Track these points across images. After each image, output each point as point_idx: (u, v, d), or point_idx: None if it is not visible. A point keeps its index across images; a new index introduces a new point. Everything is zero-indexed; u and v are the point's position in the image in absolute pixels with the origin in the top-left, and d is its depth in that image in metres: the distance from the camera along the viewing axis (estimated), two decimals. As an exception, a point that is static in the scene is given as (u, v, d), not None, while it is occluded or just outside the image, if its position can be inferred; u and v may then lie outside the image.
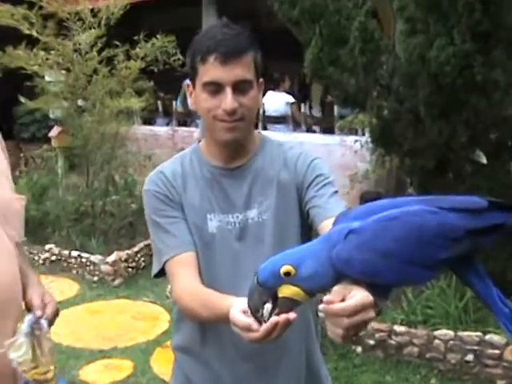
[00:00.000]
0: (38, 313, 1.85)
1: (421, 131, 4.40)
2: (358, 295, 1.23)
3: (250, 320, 1.35)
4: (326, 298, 1.24)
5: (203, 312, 1.64)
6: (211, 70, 1.71)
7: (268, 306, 1.34)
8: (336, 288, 1.28)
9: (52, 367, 1.85)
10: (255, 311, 1.37)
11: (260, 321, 1.36)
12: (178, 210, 1.83)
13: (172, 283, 1.79)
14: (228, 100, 1.71)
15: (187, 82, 1.86)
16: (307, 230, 1.84)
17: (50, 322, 1.90)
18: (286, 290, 1.33)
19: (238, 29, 1.79)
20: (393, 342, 4.41)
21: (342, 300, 1.23)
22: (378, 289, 1.29)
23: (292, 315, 1.32)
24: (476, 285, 1.37)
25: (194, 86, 1.80)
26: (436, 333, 4.28)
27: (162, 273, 1.83)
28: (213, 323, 1.73)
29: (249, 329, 1.35)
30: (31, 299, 1.90)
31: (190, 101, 1.87)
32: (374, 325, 4.47)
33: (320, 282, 1.33)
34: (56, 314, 1.96)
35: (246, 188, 1.84)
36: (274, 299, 1.34)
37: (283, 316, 1.31)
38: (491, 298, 1.37)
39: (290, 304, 1.35)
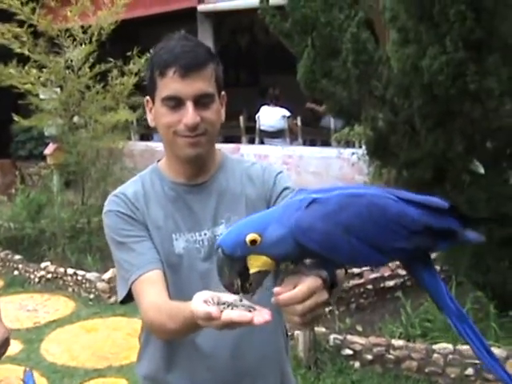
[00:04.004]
0: None
1: (417, 142, 4.35)
2: (306, 281, 1.24)
3: (209, 308, 1.28)
4: (275, 289, 1.24)
5: (171, 323, 1.54)
6: (171, 84, 1.66)
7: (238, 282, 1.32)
8: (286, 279, 1.28)
9: None
10: (230, 285, 1.33)
11: (238, 292, 1.33)
12: (144, 231, 1.75)
13: (138, 304, 1.69)
14: (189, 115, 1.65)
15: (147, 97, 1.78)
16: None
17: None
18: (255, 262, 1.30)
19: (196, 41, 1.74)
20: (391, 356, 4.33)
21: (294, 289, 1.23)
22: (328, 267, 1.30)
23: (268, 316, 1.26)
24: (427, 281, 1.39)
25: (153, 102, 1.74)
26: (435, 346, 4.21)
27: (129, 298, 1.73)
28: (183, 335, 1.63)
29: (209, 318, 1.27)
30: None
31: (149, 117, 1.79)
32: (371, 339, 4.41)
33: (285, 247, 1.30)
34: (4, 345, 1.82)
35: (213, 204, 1.77)
36: (244, 268, 1.31)
37: (259, 318, 1.25)
38: (441, 294, 1.39)
39: (262, 276, 1.33)
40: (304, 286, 1.22)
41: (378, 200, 1.32)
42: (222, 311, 1.27)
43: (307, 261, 1.35)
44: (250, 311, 1.28)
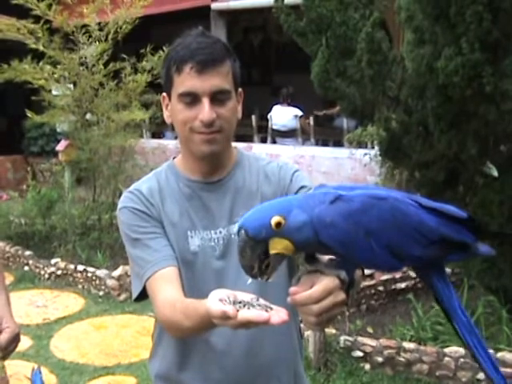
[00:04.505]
0: None
1: (430, 143, 4.32)
2: (323, 280, 1.23)
3: (225, 307, 1.26)
4: (291, 289, 1.23)
5: (186, 321, 1.52)
6: (187, 80, 1.65)
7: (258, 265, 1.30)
8: (303, 278, 1.27)
9: None
10: (250, 268, 1.30)
11: (255, 276, 1.31)
12: (159, 227, 1.73)
13: (153, 300, 1.67)
14: (205, 111, 1.63)
15: (163, 94, 1.77)
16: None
17: (4, 350, 1.75)
18: (277, 245, 1.28)
19: (213, 37, 1.73)
20: (402, 359, 4.30)
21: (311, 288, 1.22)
22: (347, 266, 1.29)
23: (285, 316, 1.25)
24: (440, 290, 1.39)
25: (169, 98, 1.73)
26: (446, 350, 4.18)
27: (143, 295, 1.72)
28: (198, 333, 1.61)
29: (225, 317, 1.25)
30: None
31: (165, 114, 1.78)
32: (382, 341, 4.38)
33: (306, 234, 1.27)
34: (14, 341, 1.81)
35: (229, 202, 1.76)
36: (265, 251, 1.28)
37: (275, 318, 1.23)
38: (453, 305, 1.38)
39: (280, 260, 1.31)
40: (320, 285, 1.21)
41: (401, 205, 1.30)
42: (238, 310, 1.25)
43: (325, 259, 1.34)
44: (266, 311, 1.26)
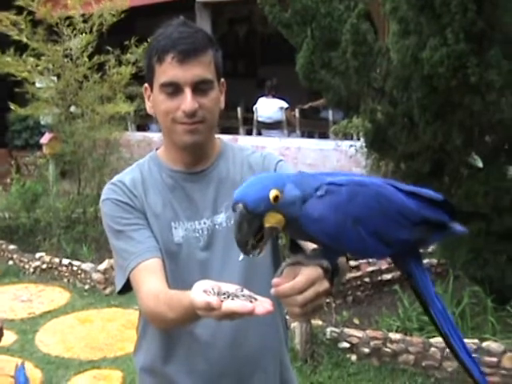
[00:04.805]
0: None
1: (415, 135, 4.33)
2: (306, 271, 1.23)
3: (209, 298, 1.24)
4: (274, 280, 1.23)
5: (170, 313, 1.50)
6: (169, 70, 1.63)
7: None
8: (286, 270, 1.27)
9: None
10: (244, 244, 1.28)
11: (249, 253, 1.29)
12: (142, 219, 1.71)
13: (137, 292, 1.65)
14: (188, 101, 1.62)
15: (145, 84, 1.76)
16: (278, 234, 1.75)
17: None
18: (271, 219, 1.26)
19: (195, 27, 1.71)
20: (388, 349, 4.31)
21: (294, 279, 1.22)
22: (330, 255, 1.29)
23: (269, 306, 1.24)
24: (418, 277, 1.41)
25: (151, 89, 1.71)
26: (432, 340, 4.19)
27: (127, 288, 1.70)
28: (182, 324, 1.60)
29: (209, 308, 1.24)
30: None
31: (147, 105, 1.77)
32: (368, 332, 4.39)
33: (296, 210, 1.27)
34: None
35: (212, 192, 1.75)
36: (260, 226, 1.26)
37: (260, 308, 1.23)
38: (429, 291, 1.41)
39: (272, 234, 1.30)
40: (303, 276, 1.21)
41: (384, 190, 1.32)
42: (222, 301, 1.24)
43: (309, 250, 1.33)
44: (251, 301, 1.25)
